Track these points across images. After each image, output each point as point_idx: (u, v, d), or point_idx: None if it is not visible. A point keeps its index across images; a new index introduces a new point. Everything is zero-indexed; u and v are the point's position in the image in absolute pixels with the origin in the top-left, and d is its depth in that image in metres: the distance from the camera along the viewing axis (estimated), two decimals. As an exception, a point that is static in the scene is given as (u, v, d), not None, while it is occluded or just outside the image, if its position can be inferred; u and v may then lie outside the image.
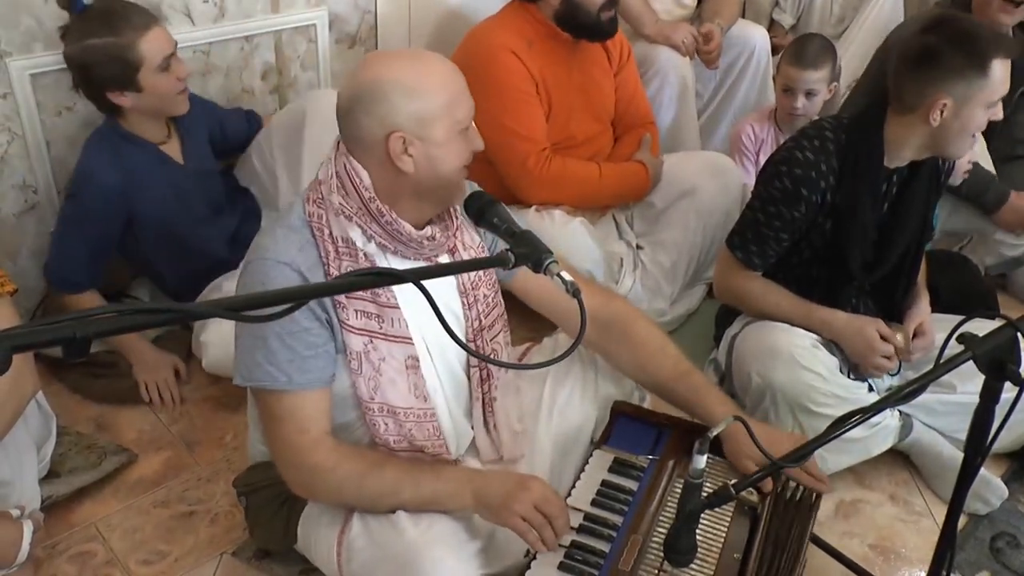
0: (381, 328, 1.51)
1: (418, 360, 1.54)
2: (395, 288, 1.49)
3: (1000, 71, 1.81)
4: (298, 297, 0.95)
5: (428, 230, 1.52)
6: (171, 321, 0.86)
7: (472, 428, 1.68)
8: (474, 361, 1.65)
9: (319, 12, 2.71)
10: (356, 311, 1.49)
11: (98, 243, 2.21)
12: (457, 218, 1.58)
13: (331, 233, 1.48)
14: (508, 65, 2.36)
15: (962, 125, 1.86)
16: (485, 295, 1.65)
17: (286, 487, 1.62)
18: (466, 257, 1.61)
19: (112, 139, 2.19)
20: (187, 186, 2.28)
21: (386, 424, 1.55)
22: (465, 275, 1.62)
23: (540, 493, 1.47)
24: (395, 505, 1.50)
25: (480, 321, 1.63)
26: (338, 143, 1.51)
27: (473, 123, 1.51)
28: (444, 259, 1.59)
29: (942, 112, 1.83)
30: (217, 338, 2.16)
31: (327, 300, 1.48)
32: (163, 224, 2.25)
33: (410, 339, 1.53)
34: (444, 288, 1.59)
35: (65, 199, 2.24)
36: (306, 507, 1.64)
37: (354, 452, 1.52)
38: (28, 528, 1.65)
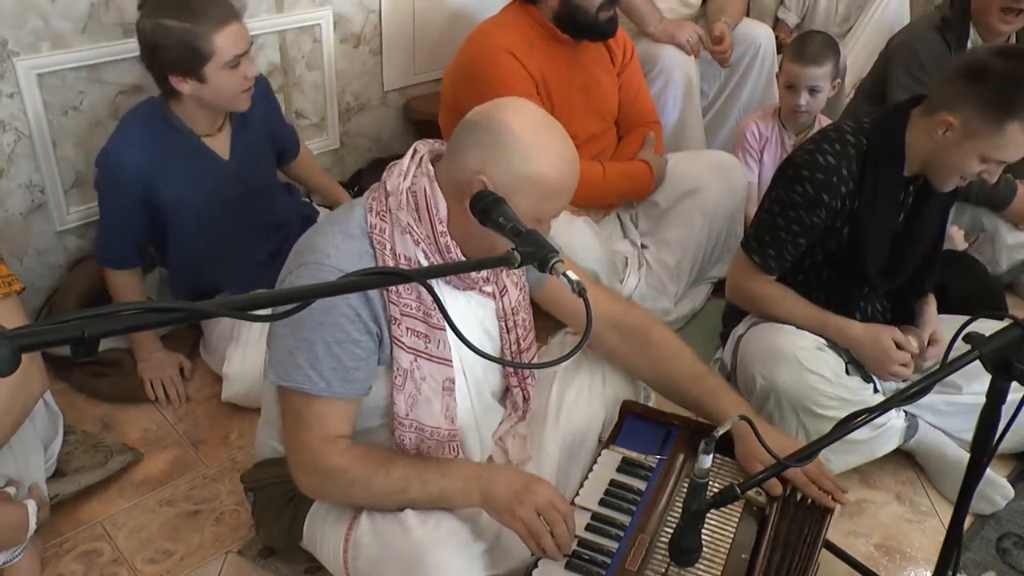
0: (427, 348, 1.51)
1: (454, 383, 1.55)
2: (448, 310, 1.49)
3: (1016, 136, 1.73)
4: (305, 296, 0.95)
5: (485, 272, 1.53)
6: (180, 320, 0.85)
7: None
8: (512, 382, 1.66)
9: (323, 12, 2.71)
10: (408, 329, 1.48)
11: (124, 219, 2.15)
12: None
13: (393, 249, 1.45)
14: (508, 66, 2.36)
15: (954, 159, 1.81)
16: (524, 319, 1.66)
17: (294, 485, 1.62)
18: (513, 292, 1.63)
19: (152, 118, 2.12)
20: (225, 182, 2.20)
21: (410, 439, 1.55)
22: (506, 301, 1.62)
23: (545, 497, 1.46)
24: (403, 503, 1.50)
25: (519, 344, 1.65)
26: (420, 159, 1.48)
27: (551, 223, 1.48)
28: (489, 286, 1.59)
29: (945, 131, 1.79)
30: (239, 372, 2.16)
31: (381, 315, 1.46)
32: (187, 215, 2.17)
33: (450, 362, 1.53)
34: (483, 313, 1.60)
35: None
36: (313, 504, 1.64)
37: (364, 452, 1.52)
38: (32, 506, 1.65)
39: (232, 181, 2.22)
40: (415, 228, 1.45)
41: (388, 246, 1.45)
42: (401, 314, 1.47)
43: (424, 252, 1.46)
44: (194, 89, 2.04)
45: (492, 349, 1.62)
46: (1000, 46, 1.83)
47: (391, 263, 1.44)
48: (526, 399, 1.70)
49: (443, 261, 1.46)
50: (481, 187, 1.38)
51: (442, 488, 1.49)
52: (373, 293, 1.45)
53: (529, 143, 1.40)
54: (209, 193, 2.18)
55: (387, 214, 1.46)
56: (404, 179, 1.46)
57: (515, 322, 1.64)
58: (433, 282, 1.47)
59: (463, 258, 1.46)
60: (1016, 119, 1.71)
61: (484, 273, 1.53)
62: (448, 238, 1.44)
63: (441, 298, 1.49)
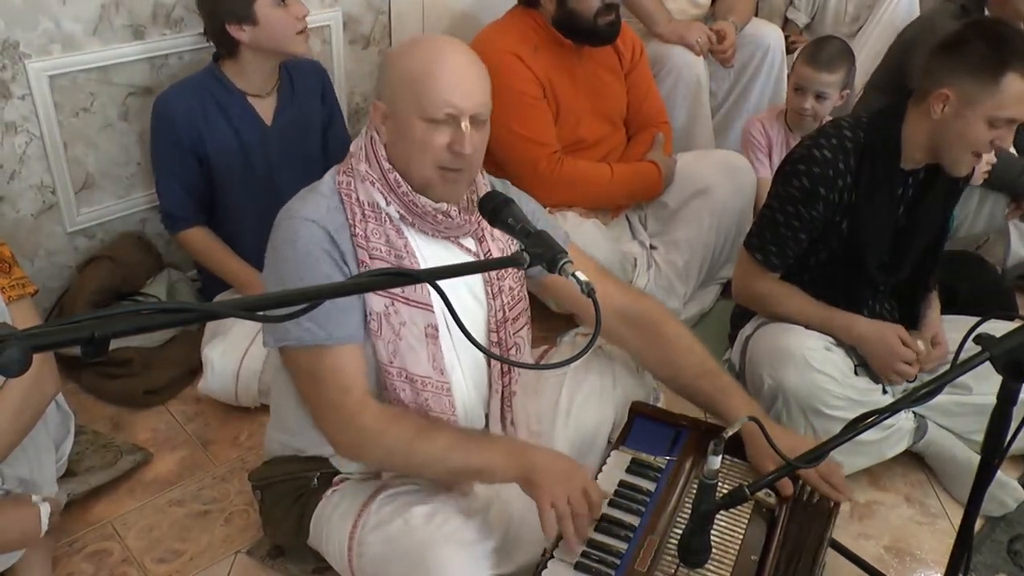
0: (403, 292, 1.53)
1: (437, 330, 1.55)
2: (419, 255, 1.53)
3: (1016, 87, 1.73)
4: (314, 297, 0.96)
5: (443, 204, 1.54)
6: (190, 321, 0.86)
7: (487, 420, 1.68)
8: (495, 349, 1.65)
9: (333, 13, 2.71)
10: None
11: (179, 166, 2.26)
12: None
13: (358, 198, 1.54)
14: (514, 70, 2.36)
15: (960, 131, 1.80)
16: (511, 287, 1.66)
17: (302, 482, 1.62)
18: (494, 246, 1.63)
19: (205, 76, 2.27)
20: (265, 146, 2.30)
21: (403, 389, 1.55)
22: None
23: (580, 486, 1.46)
24: (442, 473, 1.51)
25: (504, 312, 1.64)
26: (370, 121, 1.58)
27: (465, 124, 1.50)
28: (470, 242, 1.61)
29: (943, 107, 1.79)
30: (221, 365, 2.15)
31: (351, 261, 1.51)
32: (227, 174, 2.28)
33: (431, 307, 1.54)
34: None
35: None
36: (320, 502, 1.64)
37: (402, 416, 1.53)
38: (45, 509, 1.66)
39: (272, 147, 2.31)
40: (370, 173, 1.54)
41: (354, 195, 1.55)
42: (370, 257, 1.51)
43: (380, 192, 1.54)
44: (251, 35, 2.17)
45: (479, 314, 1.62)
46: (963, 20, 1.87)
47: (357, 209, 1.53)
48: (504, 372, 1.67)
49: (395, 195, 1.53)
50: (376, 111, 1.53)
51: (484, 460, 1.49)
52: (341, 239, 1.51)
53: (399, 54, 1.55)
54: (249, 153, 2.28)
55: (351, 171, 1.57)
56: (362, 139, 1.58)
57: (500, 288, 1.63)
58: (402, 225, 1.55)
59: (410, 190, 1.53)
60: (1010, 69, 1.73)
61: (444, 206, 1.54)
62: (396, 173, 1.53)
63: (416, 249, 1.54)
